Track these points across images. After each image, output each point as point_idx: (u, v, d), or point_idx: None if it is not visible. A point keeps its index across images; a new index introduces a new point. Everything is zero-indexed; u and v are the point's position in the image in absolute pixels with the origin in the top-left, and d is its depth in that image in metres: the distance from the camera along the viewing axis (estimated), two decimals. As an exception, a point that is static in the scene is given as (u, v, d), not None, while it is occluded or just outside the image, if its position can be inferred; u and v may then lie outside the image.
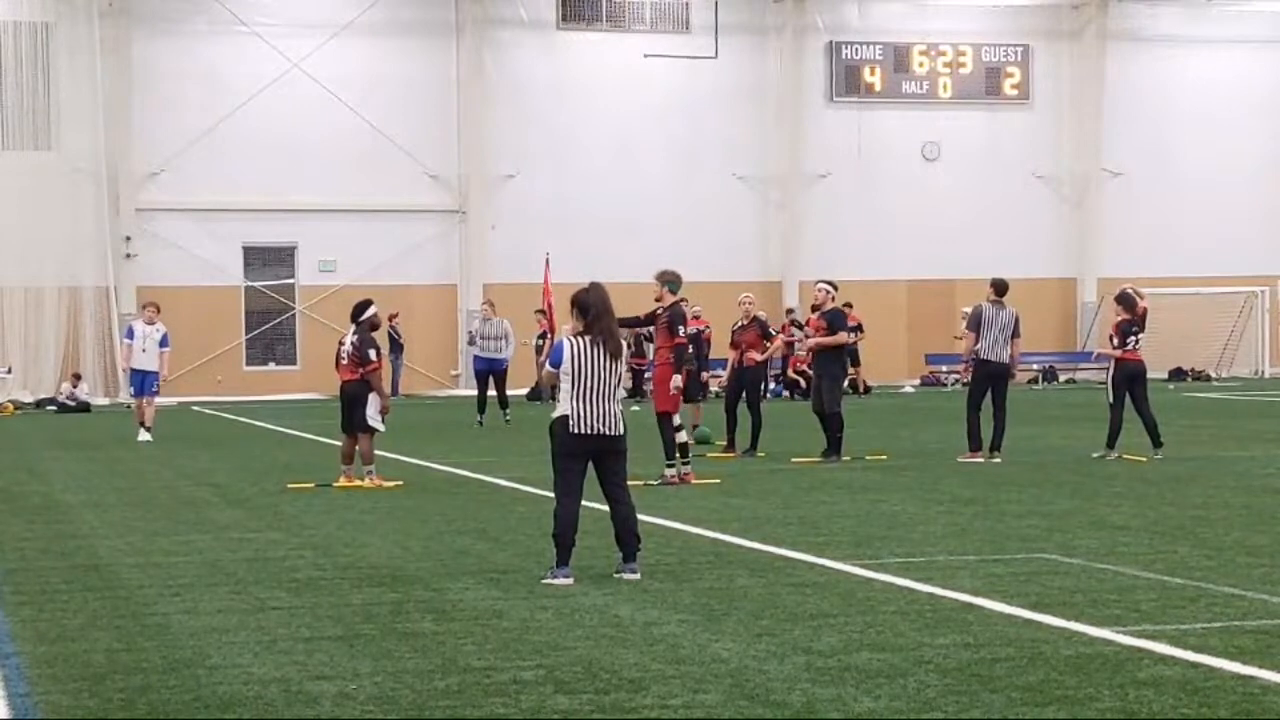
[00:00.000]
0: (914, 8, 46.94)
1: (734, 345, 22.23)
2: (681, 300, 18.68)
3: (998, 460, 20.08)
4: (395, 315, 41.13)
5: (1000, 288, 20.67)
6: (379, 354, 18.31)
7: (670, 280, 18.50)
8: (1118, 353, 20.45)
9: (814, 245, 45.02)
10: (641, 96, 44.79)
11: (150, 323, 26.55)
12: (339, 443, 18.77)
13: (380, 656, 8.70)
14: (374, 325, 18.42)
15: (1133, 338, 20.41)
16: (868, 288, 43.22)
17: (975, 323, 20.36)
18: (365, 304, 18.49)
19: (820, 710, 7.41)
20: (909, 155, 46.72)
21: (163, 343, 26.50)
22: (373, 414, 17.99)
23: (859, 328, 40.07)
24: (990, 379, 20.40)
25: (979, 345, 20.33)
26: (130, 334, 26.77)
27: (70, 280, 41.03)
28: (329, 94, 42.50)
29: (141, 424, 26.52)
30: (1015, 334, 20.51)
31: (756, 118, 45.73)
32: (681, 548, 12.80)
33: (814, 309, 21.84)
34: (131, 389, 27.17)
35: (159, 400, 27.87)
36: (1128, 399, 20.40)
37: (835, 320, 20.88)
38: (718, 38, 45.17)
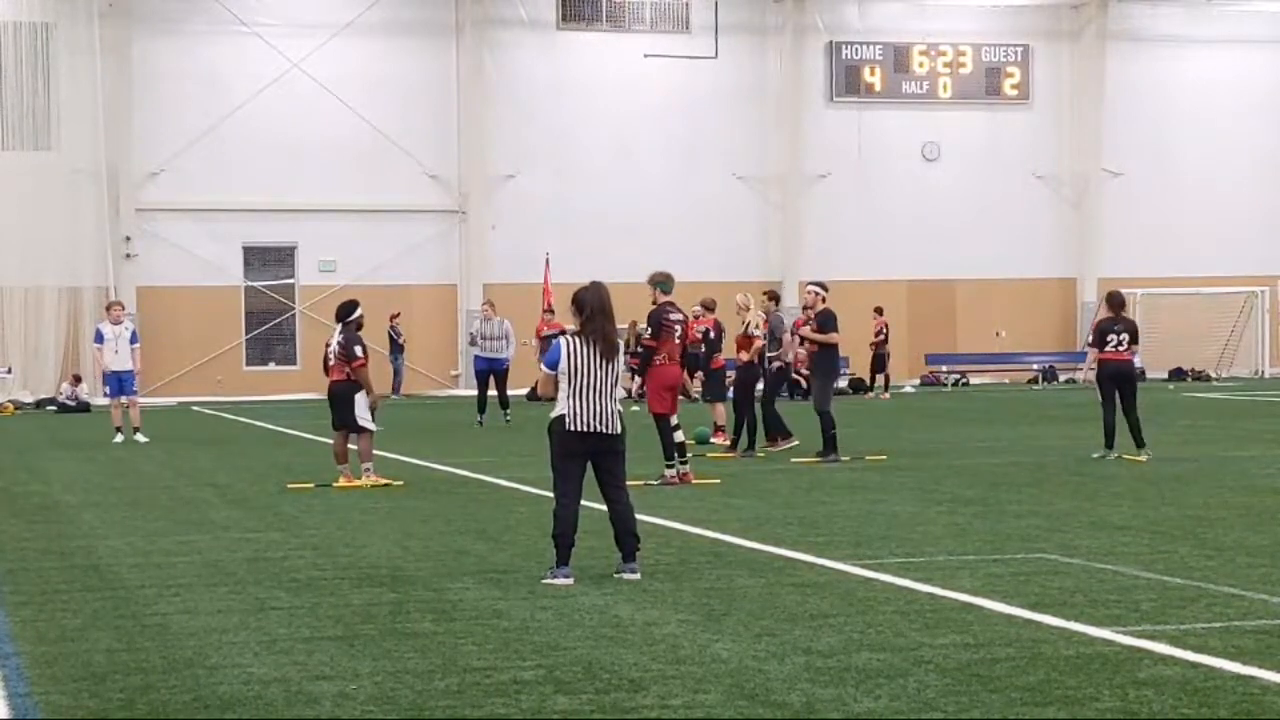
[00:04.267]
0: (914, 8, 46.94)
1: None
2: (670, 302, 18.61)
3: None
4: (396, 315, 41.13)
5: (775, 295, 24.08)
6: (365, 351, 18.32)
7: (659, 281, 18.55)
8: (1095, 351, 20.54)
9: (814, 245, 45.04)
10: (641, 96, 44.79)
11: (117, 322, 26.32)
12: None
13: (380, 656, 8.69)
14: (359, 325, 18.42)
15: (1113, 336, 20.36)
16: (868, 288, 43.24)
17: (779, 328, 22.99)
18: (353, 304, 18.50)
19: (820, 710, 7.41)
20: (909, 155, 46.72)
21: (132, 339, 26.27)
22: (362, 412, 18.00)
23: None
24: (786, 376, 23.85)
25: (782, 348, 22.85)
26: (100, 338, 26.32)
27: (70, 280, 41.04)
28: (329, 94, 42.52)
29: (118, 428, 26.28)
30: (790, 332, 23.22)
31: (756, 118, 45.72)
32: (681, 548, 12.80)
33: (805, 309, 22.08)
34: (107, 391, 26.90)
35: (142, 400, 27.68)
36: (1118, 398, 20.39)
37: (826, 321, 21.00)
38: (718, 38, 45.17)
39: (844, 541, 13.01)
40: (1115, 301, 20.89)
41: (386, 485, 17.88)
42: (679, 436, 18.34)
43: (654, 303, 18.43)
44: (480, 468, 20.19)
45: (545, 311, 36.27)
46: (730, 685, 7.90)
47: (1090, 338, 20.92)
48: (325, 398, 18.70)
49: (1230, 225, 47.91)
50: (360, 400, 18.01)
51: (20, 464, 22.66)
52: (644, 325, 19.19)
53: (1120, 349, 20.35)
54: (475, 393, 30.08)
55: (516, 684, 7.98)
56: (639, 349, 19.16)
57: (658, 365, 18.32)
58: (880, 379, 40.50)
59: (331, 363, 18.13)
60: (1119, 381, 20.37)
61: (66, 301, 41.03)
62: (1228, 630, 9.08)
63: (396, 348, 41.44)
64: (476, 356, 29.69)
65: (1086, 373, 20.90)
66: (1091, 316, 46.92)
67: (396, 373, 41.31)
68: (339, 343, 18.07)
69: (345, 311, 18.35)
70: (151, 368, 38.83)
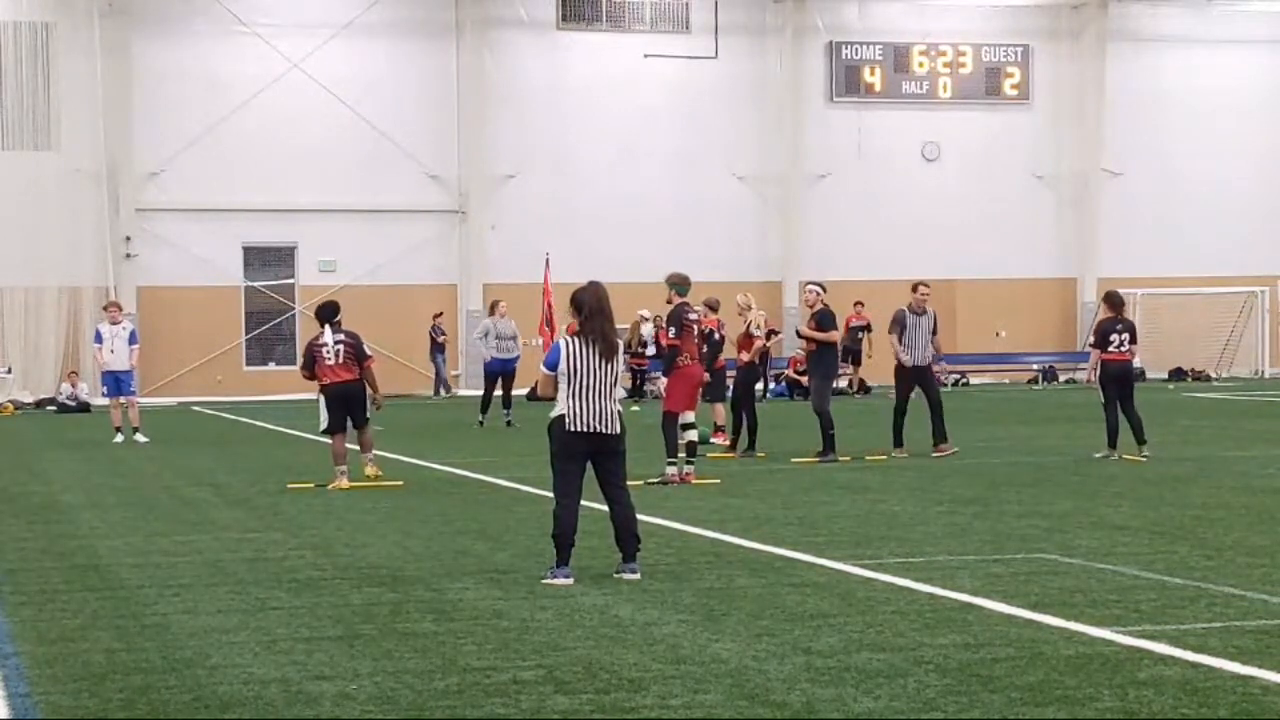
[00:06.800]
0: (914, 8, 46.93)
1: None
2: (685, 303, 18.65)
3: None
4: (439, 315, 41.24)
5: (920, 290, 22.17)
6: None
7: (676, 283, 18.61)
8: (1097, 352, 20.57)
9: (814, 245, 45.03)
10: (641, 96, 44.77)
11: (115, 322, 26.37)
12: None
13: (380, 656, 8.70)
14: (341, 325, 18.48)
15: (1115, 336, 20.41)
16: (868, 288, 43.19)
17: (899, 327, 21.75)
18: (335, 305, 18.52)
19: (820, 710, 7.41)
20: (909, 155, 46.70)
21: (131, 339, 26.30)
22: (369, 407, 18.34)
23: (866, 327, 40.07)
24: None
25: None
26: (99, 337, 26.43)
27: (70, 280, 41.02)
28: (329, 94, 42.51)
29: (118, 428, 26.28)
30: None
31: (756, 118, 45.70)
32: (681, 548, 12.80)
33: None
34: (104, 390, 26.92)
35: (141, 400, 27.67)
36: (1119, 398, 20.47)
37: (824, 320, 21.03)
38: (718, 38, 45.16)
39: (844, 541, 13.01)
40: (1115, 301, 20.92)
41: (378, 479, 17.89)
42: (691, 435, 18.36)
43: (669, 302, 18.53)
44: (480, 468, 20.19)
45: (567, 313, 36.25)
46: (730, 685, 7.90)
47: (1092, 339, 20.94)
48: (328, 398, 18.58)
49: (1230, 225, 47.88)
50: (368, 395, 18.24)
51: (20, 464, 22.66)
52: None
53: (1123, 349, 20.43)
54: (476, 392, 29.96)
55: (516, 684, 7.98)
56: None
57: (684, 366, 18.31)
58: None
59: (334, 362, 18.05)
60: (1122, 382, 20.45)
61: (66, 301, 41.01)
62: (1228, 630, 9.08)
63: (437, 347, 41.51)
64: (493, 358, 29.19)
65: (1090, 374, 20.97)
66: (1092, 316, 47.04)
67: (438, 371, 41.52)
68: (347, 343, 18.04)
69: (331, 312, 18.34)
70: (151, 368, 38.85)
